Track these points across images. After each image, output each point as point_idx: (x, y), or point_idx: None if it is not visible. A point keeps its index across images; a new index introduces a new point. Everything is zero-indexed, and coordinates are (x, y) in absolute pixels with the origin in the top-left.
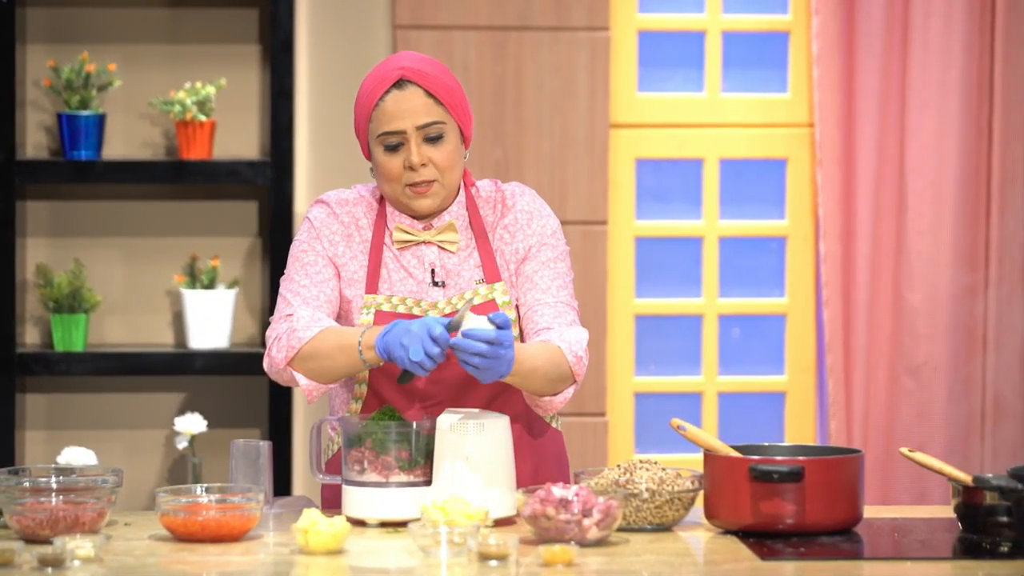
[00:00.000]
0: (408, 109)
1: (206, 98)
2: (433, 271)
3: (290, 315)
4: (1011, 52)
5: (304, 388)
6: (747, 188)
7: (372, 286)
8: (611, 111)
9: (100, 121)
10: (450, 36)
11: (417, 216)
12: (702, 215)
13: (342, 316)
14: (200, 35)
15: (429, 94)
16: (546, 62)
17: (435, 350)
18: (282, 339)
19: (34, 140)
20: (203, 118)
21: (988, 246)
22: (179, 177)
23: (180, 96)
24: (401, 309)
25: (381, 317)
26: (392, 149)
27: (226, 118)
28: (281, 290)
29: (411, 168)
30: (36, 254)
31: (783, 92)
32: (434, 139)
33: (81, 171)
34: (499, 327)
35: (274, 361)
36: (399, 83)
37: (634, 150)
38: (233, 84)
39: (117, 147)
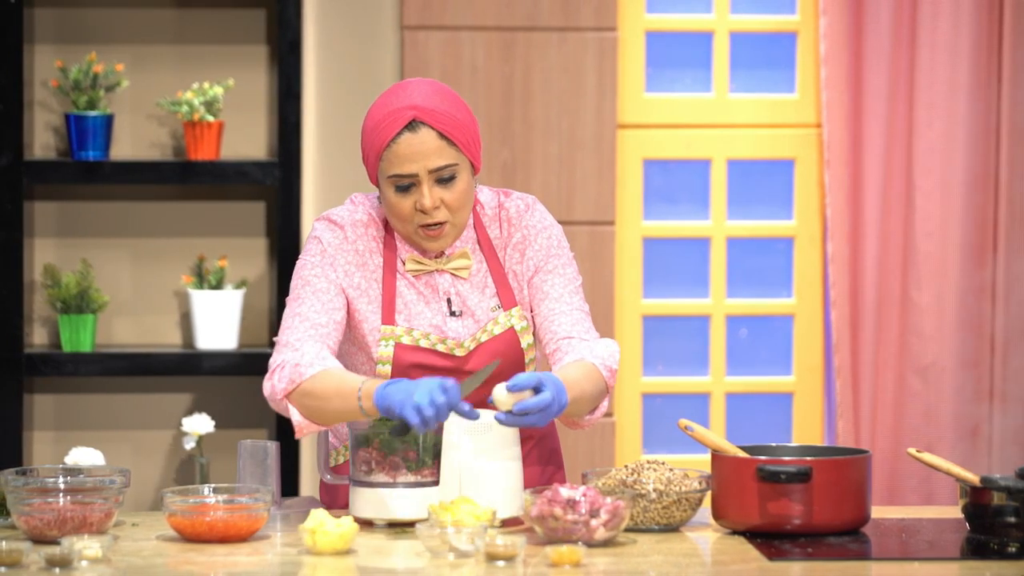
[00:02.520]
0: (420, 152)
1: (214, 99)
2: (449, 300)
3: (296, 348)
4: (1019, 52)
5: (296, 424)
6: (755, 188)
7: (389, 316)
8: (619, 111)
9: (108, 121)
10: (458, 37)
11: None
12: (710, 216)
13: (359, 346)
14: (208, 36)
15: (442, 136)
16: (554, 63)
17: (441, 399)
18: (285, 369)
19: (42, 140)
20: (211, 119)
21: (996, 246)
22: (187, 177)
23: (188, 96)
24: (424, 344)
25: (402, 350)
26: (403, 190)
27: (234, 119)
28: (288, 313)
29: (423, 211)
30: (44, 254)
31: (791, 92)
32: (446, 180)
33: (89, 171)
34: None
35: (274, 390)
36: (411, 125)
37: (642, 150)
38: (241, 85)
39: (125, 148)
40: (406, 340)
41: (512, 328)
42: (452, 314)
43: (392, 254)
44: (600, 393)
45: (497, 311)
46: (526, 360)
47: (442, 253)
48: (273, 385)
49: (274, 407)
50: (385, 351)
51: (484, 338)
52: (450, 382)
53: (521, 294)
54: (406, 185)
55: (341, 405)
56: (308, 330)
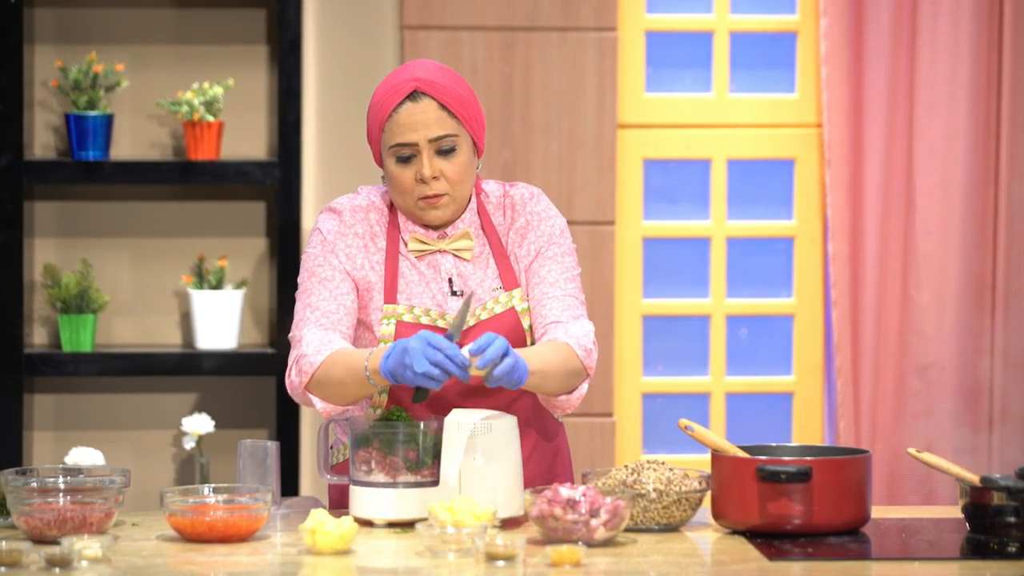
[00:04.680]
0: (421, 122)
1: (214, 98)
2: (451, 280)
3: (302, 340)
4: (1019, 52)
5: (321, 410)
6: (755, 188)
7: (391, 295)
8: (619, 111)
9: (108, 121)
10: (458, 37)
11: (429, 226)
12: (710, 215)
13: (364, 326)
14: (208, 35)
15: (443, 107)
16: (554, 63)
17: (438, 356)
18: (297, 364)
19: (42, 140)
20: (211, 118)
21: (996, 246)
22: (187, 177)
23: (188, 96)
24: (425, 320)
25: (403, 327)
26: (404, 161)
27: (234, 118)
28: (298, 306)
29: (423, 181)
30: (44, 254)
31: (791, 92)
32: (446, 152)
33: (89, 171)
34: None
35: (293, 385)
36: (413, 95)
37: (642, 150)
38: (241, 84)
39: (125, 147)
40: (407, 318)
41: (513, 308)
42: (454, 294)
43: (395, 238)
44: (573, 372)
45: (498, 291)
46: (528, 342)
47: (444, 234)
48: (291, 381)
49: (299, 401)
50: (387, 329)
51: (484, 316)
52: (438, 338)
53: (521, 276)
54: (407, 156)
55: (356, 386)
56: (320, 319)
